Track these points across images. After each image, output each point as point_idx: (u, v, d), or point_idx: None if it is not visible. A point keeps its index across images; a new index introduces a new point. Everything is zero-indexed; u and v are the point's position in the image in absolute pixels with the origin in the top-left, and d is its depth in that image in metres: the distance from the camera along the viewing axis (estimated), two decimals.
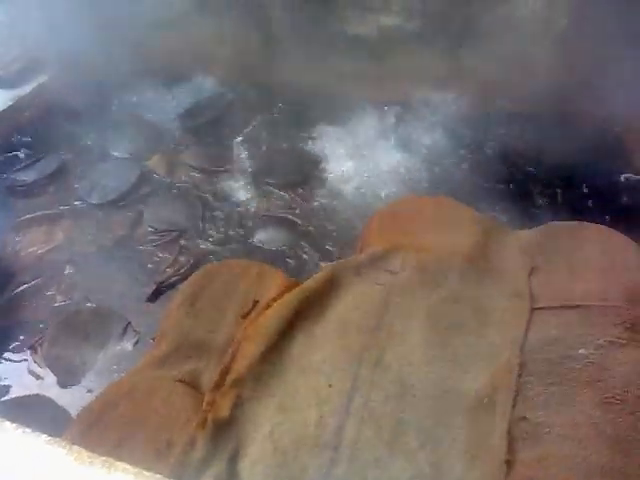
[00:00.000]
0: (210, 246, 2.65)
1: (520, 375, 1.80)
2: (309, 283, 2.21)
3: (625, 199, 2.65)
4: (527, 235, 2.32)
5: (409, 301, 2.10)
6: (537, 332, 1.93)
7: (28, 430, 0.90)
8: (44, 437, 0.89)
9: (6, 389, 2.17)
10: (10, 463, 0.83)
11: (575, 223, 2.33)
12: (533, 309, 2.01)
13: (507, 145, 3.04)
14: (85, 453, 0.86)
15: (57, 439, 0.92)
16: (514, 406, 1.74)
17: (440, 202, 2.54)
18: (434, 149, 3.05)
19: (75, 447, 0.88)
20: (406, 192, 2.81)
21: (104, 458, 0.86)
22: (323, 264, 2.49)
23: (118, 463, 0.86)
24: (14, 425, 0.91)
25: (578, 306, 1.98)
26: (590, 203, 2.61)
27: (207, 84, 3.72)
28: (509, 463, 1.63)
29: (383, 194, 2.81)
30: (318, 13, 3.35)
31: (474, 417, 1.75)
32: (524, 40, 3.00)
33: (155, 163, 3.20)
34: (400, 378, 1.86)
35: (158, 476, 0.86)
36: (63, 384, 2.18)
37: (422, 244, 2.31)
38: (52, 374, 2.21)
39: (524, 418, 1.72)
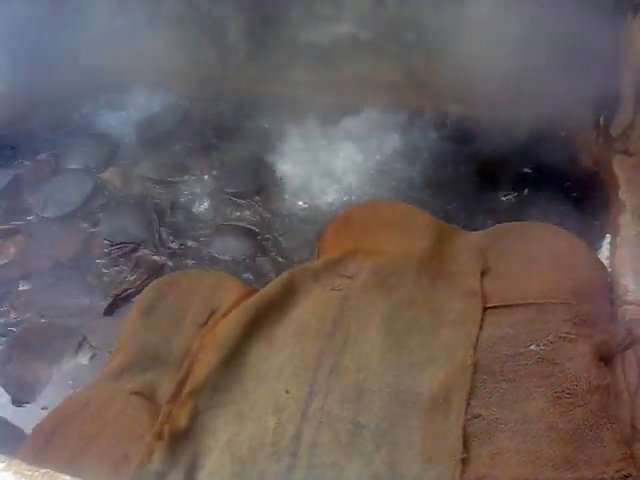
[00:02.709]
0: (167, 257, 2.63)
1: (474, 373, 1.84)
2: (266, 290, 2.22)
3: (572, 199, 2.71)
4: (479, 236, 2.36)
5: (365, 305, 2.12)
6: (490, 330, 1.97)
7: None
8: None
9: None
10: None
11: (524, 223, 2.39)
12: (486, 308, 2.05)
13: (460, 148, 3.09)
14: (24, 467, 0.85)
15: None
16: (469, 404, 1.77)
17: (394, 206, 2.57)
18: (390, 155, 3.08)
19: (14, 461, 0.86)
20: (364, 199, 2.82)
21: (44, 470, 0.85)
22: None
23: (59, 475, 0.85)
24: None
25: (529, 304, 2.03)
26: (540, 203, 2.67)
27: (162, 96, 3.69)
28: (464, 461, 1.65)
29: (341, 201, 2.83)
30: (272, 22, 3.37)
31: (430, 418, 1.77)
32: (477, 45, 3.05)
33: (110, 175, 3.16)
34: (356, 381, 1.87)
35: None
36: (17, 402, 2.13)
37: (377, 248, 2.34)
38: (5, 392, 2.16)
39: (478, 415, 1.75)
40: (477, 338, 1.94)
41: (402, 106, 3.28)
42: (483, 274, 2.17)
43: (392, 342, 1.97)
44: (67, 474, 0.91)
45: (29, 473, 0.83)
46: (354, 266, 2.27)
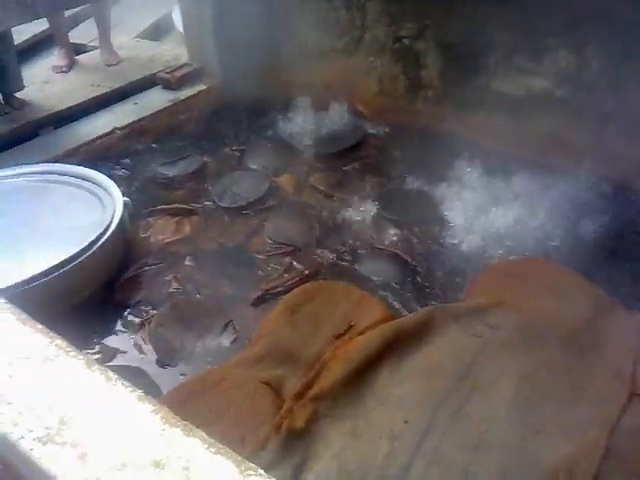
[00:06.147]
0: (319, 266, 2.74)
1: (604, 458, 1.73)
2: (406, 320, 2.25)
3: None
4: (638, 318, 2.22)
5: (503, 358, 2.07)
6: (632, 419, 1.84)
7: (127, 383, 0.98)
8: (138, 392, 0.97)
9: (111, 356, 2.36)
10: (103, 409, 0.92)
11: None
12: (632, 394, 1.92)
13: (635, 225, 2.90)
14: (171, 415, 0.93)
15: (149, 397, 0.99)
16: None
17: (555, 268, 2.49)
18: (561, 218, 2.95)
19: (163, 407, 0.95)
20: (521, 253, 2.74)
21: (185, 423, 0.93)
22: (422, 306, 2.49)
23: (197, 430, 0.93)
24: (116, 376, 0.99)
25: None
26: None
27: (346, 116, 3.87)
28: None
29: (500, 251, 2.76)
30: (469, 66, 3.41)
31: None
32: None
33: (284, 181, 3.37)
34: (478, 431, 1.84)
35: (232, 452, 0.93)
36: (161, 363, 2.32)
37: (528, 306, 2.27)
38: (154, 352, 2.36)
39: None
40: (616, 423, 1.83)
41: (584, 170, 3.14)
42: (637, 359, 2.04)
43: (523, 404, 1.91)
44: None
45: (173, 421, 0.91)
46: (499, 317, 2.23)
